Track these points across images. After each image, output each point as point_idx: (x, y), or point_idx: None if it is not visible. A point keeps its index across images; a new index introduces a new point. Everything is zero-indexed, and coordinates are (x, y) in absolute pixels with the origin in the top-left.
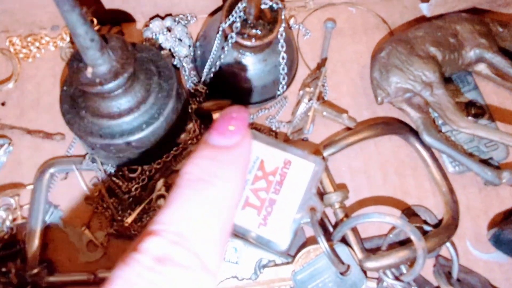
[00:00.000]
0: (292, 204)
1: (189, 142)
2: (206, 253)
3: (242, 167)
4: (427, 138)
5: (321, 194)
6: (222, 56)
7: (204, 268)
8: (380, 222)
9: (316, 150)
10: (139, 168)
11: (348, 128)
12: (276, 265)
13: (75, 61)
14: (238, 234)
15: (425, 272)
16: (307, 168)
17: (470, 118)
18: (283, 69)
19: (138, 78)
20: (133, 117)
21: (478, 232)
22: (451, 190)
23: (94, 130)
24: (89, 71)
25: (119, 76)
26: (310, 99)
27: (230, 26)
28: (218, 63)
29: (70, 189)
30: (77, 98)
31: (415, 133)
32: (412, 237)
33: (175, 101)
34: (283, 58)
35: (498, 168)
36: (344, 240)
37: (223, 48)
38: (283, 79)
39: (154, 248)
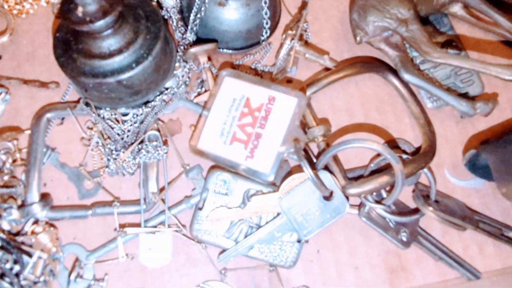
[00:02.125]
0: (277, 136)
1: (178, 87)
2: None
3: None
4: (405, 75)
5: (305, 131)
6: (206, 1)
7: None
8: (360, 147)
9: (301, 88)
10: (131, 112)
11: (329, 70)
12: (263, 193)
13: (66, 3)
14: (227, 167)
15: (405, 199)
16: (291, 103)
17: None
18: (265, 13)
19: (126, 21)
20: (123, 56)
21: (456, 161)
22: (429, 122)
23: (86, 71)
24: (79, 10)
25: (108, 15)
26: (292, 39)
27: None
28: (203, 8)
29: (66, 133)
30: (69, 42)
31: (394, 71)
32: (390, 160)
33: (163, 43)
34: (265, 3)
35: (472, 99)
36: (327, 170)
37: None
38: (266, 23)
39: None
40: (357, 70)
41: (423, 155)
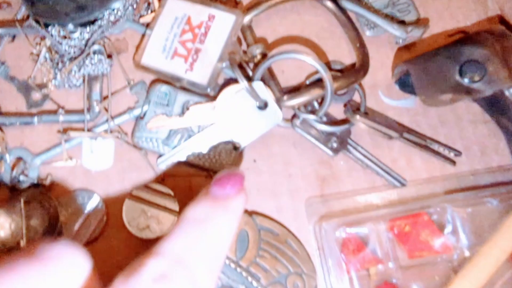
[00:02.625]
0: (215, 51)
1: (125, 9)
2: (202, 277)
3: (235, 216)
4: (343, 2)
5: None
6: None
7: None
8: (293, 58)
9: (239, 6)
10: (78, 30)
11: None
12: (200, 103)
13: None
14: (168, 80)
15: (338, 115)
16: (229, 20)
17: None
18: None
19: None
20: None
21: (389, 83)
22: (362, 44)
23: None
24: None
25: None
26: None
27: None
28: None
29: (16, 50)
30: None
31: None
32: (319, 69)
33: None
34: None
35: (405, 24)
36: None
37: None
38: None
39: (155, 267)
40: None
41: (354, 72)
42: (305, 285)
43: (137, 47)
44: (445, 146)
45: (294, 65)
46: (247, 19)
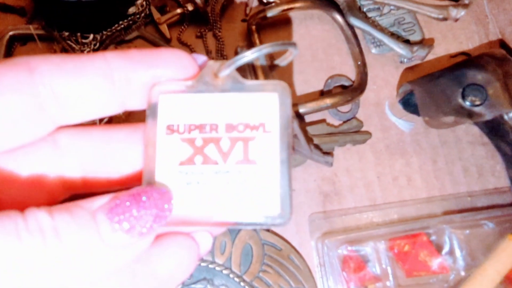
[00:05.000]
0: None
1: (138, 16)
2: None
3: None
4: (351, 19)
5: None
6: None
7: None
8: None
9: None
10: (91, 35)
11: None
12: None
13: None
14: None
15: None
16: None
17: None
18: None
19: None
20: None
21: (393, 101)
22: (364, 64)
23: None
24: None
25: None
26: None
27: None
28: None
29: (28, 53)
30: None
31: (342, 13)
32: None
33: None
34: None
35: (410, 44)
36: None
37: None
38: None
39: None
40: (308, 5)
41: (351, 90)
42: None
43: None
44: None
45: (301, 80)
46: (255, 22)
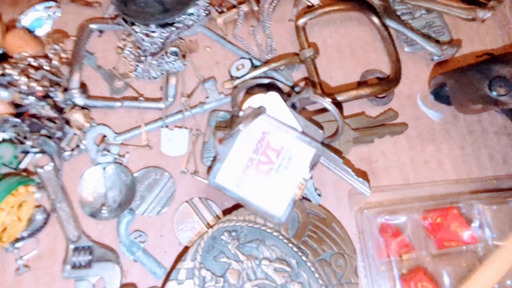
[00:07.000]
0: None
1: (198, 15)
2: None
3: None
4: (387, 20)
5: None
6: None
7: None
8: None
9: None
10: (158, 30)
11: None
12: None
13: None
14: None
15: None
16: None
17: None
18: None
19: None
20: None
21: (423, 95)
22: (398, 59)
23: None
24: None
25: None
26: None
27: None
28: None
29: (103, 44)
30: None
31: (378, 15)
32: (331, 110)
33: None
34: None
35: (440, 43)
36: None
37: None
38: None
39: None
40: (349, 7)
41: (387, 81)
42: (347, 264)
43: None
44: None
45: (341, 73)
46: (302, 21)
